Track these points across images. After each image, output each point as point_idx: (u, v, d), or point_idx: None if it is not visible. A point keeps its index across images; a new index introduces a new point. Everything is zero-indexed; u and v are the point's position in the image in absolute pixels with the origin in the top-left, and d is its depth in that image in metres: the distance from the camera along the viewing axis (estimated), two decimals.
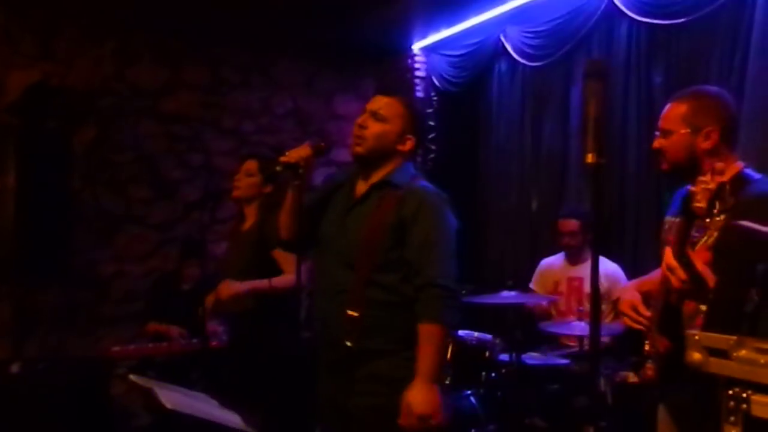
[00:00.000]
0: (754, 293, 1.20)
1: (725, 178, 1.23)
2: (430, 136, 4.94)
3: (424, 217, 1.90)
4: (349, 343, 1.88)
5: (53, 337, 4.22)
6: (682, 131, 1.76)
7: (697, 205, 1.20)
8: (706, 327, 1.26)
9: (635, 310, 1.82)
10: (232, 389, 2.73)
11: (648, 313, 1.85)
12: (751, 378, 1.13)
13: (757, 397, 1.13)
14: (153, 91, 4.64)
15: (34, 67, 4.30)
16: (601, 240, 3.53)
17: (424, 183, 2.02)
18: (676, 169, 1.81)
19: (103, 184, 4.48)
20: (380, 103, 2.01)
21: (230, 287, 2.74)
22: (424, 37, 4.85)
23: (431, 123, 4.93)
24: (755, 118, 2.85)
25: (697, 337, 1.22)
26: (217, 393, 2.25)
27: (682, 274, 1.44)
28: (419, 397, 1.78)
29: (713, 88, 1.92)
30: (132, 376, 2.36)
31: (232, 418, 2.06)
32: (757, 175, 1.72)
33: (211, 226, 4.59)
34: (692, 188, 1.23)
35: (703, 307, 1.70)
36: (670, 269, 1.45)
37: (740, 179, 1.67)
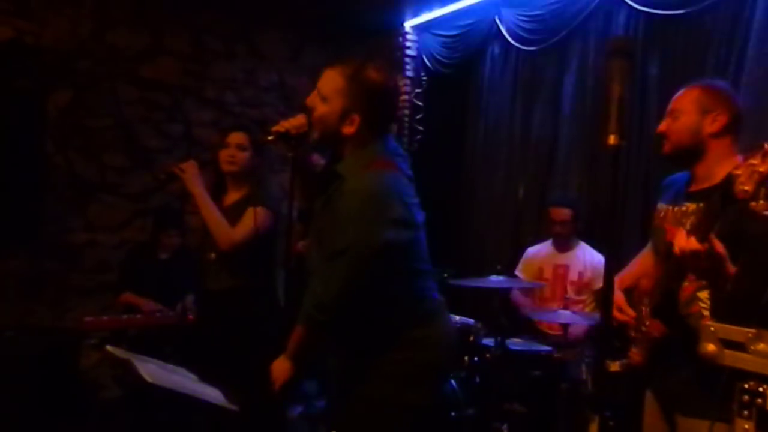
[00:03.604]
0: None
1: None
2: (417, 117, 4.87)
3: (342, 206, 1.72)
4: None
5: (20, 306, 4.07)
6: (692, 112, 1.79)
7: (742, 188, 1.16)
8: (721, 317, 1.23)
9: (620, 310, 1.86)
10: (206, 365, 2.66)
11: (632, 312, 1.88)
12: None
13: None
14: (133, 55, 4.48)
15: (8, 23, 4.10)
16: (587, 228, 3.55)
17: (373, 172, 1.72)
18: (679, 151, 1.83)
19: (77, 150, 4.33)
20: (322, 77, 1.80)
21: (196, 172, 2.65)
22: (416, 15, 4.76)
23: (419, 104, 4.86)
24: (750, 114, 2.84)
25: (712, 329, 1.19)
26: (190, 368, 2.19)
27: (703, 256, 1.42)
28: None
29: (725, 82, 1.99)
30: (109, 347, 2.27)
31: (213, 393, 1.99)
32: None
33: (189, 197, 4.45)
34: (736, 171, 1.19)
35: (702, 295, 1.73)
36: (690, 252, 1.43)
37: None
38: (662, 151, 1.86)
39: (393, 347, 1.77)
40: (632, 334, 1.92)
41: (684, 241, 1.41)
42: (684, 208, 1.82)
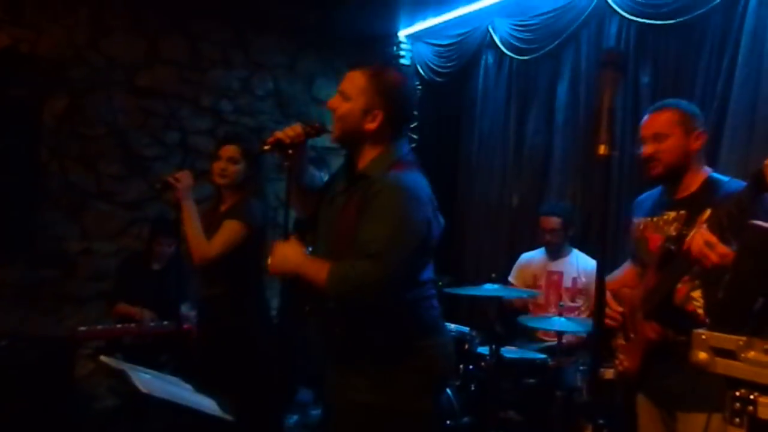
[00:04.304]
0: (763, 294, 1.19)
1: None
2: (411, 126, 4.89)
3: (378, 200, 1.69)
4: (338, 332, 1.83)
5: (15, 314, 4.05)
6: (678, 133, 1.90)
7: None
8: (714, 321, 1.25)
9: (608, 307, 1.92)
10: (202, 373, 2.66)
11: (620, 309, 1.96)
12: (760, 380, 1.11)
13: (764, 399, 1.11)
14: (129, 63, 4.48)
15: (3, 31, 4.10)
16: (582, 235, 3.57)
17: (401, 173, 1.73)
18: (671, 171, 1.91)
19: (73, 158, 4.32)
20: (345, 79, 1.82)
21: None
22: (410, 24, 4.80)
23: (414, 113, 4.88)
24: (741, 122, 2.88)
25: (704, 337, 1.20)
26: (186, 377, 2.19)
27: (723, 249, 1.47)
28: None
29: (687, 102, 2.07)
30: (103, 357, 2.27)
31: (207, 404, 1.99)
32: (725, 177, 1.91)
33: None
34: None
35: (695, 294, 1.79)
36: (710, 245, 1.48)
37: (711, 182, 1.88)
38: (651, 173, 1.93)
39: (402, 355, 1.77)
40: (620, 342, 1.96)
41: (708, 236, 1.47)
42: (665, 217, 1.91)
